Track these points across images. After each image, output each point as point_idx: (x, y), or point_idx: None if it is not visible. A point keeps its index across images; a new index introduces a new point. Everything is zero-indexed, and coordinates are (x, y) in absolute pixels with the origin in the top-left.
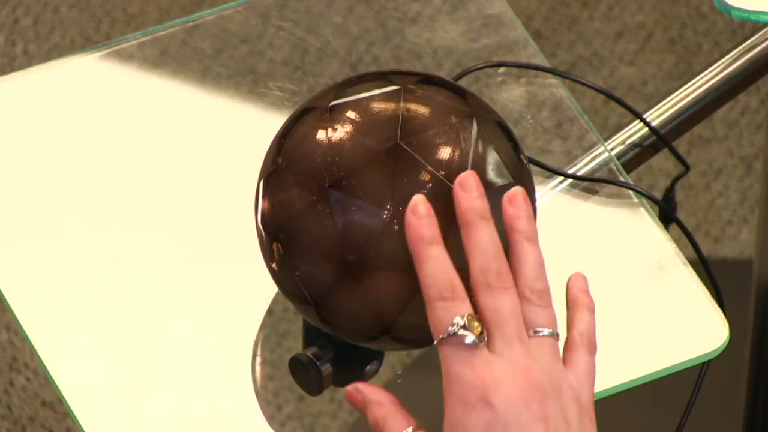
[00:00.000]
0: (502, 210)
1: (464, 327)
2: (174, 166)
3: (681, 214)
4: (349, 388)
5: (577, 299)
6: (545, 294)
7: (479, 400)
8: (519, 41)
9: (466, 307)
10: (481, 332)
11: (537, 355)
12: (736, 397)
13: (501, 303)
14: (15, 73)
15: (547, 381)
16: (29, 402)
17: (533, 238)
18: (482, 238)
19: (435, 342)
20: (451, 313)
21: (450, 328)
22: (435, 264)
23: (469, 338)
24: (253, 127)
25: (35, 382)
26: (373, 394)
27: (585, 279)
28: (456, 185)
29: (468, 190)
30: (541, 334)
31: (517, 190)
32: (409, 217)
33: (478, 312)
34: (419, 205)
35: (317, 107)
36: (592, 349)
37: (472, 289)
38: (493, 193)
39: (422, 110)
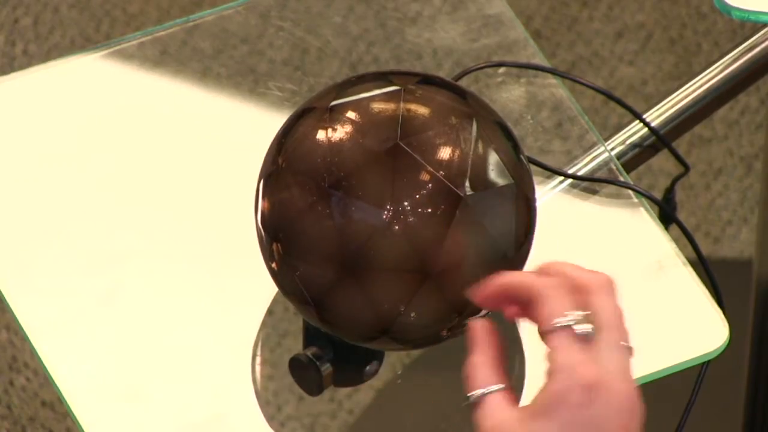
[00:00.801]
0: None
1: (577, 322)
2: (174, 166)
3: (681, 214)
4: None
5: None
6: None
7: (586, 393)
8: (519, 41)
9: (577, 304)
10: (593, 329)
11: (629, 366)
12: (736, 397)
13: (618, 308)
14: (15, 73)
15: (636, 395)
16: (29, 402)
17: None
18: (563, 269)
19: (542, 331)
20: (564, 304)
21: (562, 319)
22: (530, 273)
23: (585, 329)
24: (253, 127)
25: (35, 382)
26: (483, 339)
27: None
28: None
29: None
30: (627, 345)
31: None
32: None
33: (593, 311)
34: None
35: (317, 107)
36: None
37: (587, 292)
38: (493, 193)
39: (422, 110)
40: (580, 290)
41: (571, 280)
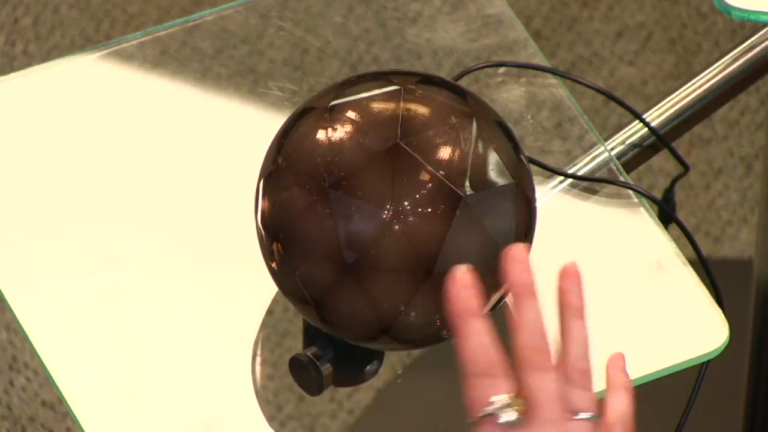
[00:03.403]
0: (559, 285)
1: (503, 407)
2: (174, 166)
3: (681, 214)
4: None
5: (616, 379)
6: (588, 375)
7: None
8: (519, 41)
9: (507, 386)
10: (521, 412)
11: None
12: (736, 397)
13: (545, 382)
14: (15, 73)
15: None
16: (29, 402)
17: (583, 316)
18: (530, 315)
19: (470, 420)
20: (489, 391)
21: (488, 408)
22: (476, 338)
23: (508, 418)
24: (253, 127)
25: (35, 382)
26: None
27: (623, 357)
28: (506, 256)
29: (519, 262)
30: (580, 417)
31: (573, 264)
32: (452, 286)
33: (520, 390)
34: (463, 274)
35: (317, 107)
36: None
37: (515, 365)
38: (493, 193)
39: (422, 110)
40: (516, 367)
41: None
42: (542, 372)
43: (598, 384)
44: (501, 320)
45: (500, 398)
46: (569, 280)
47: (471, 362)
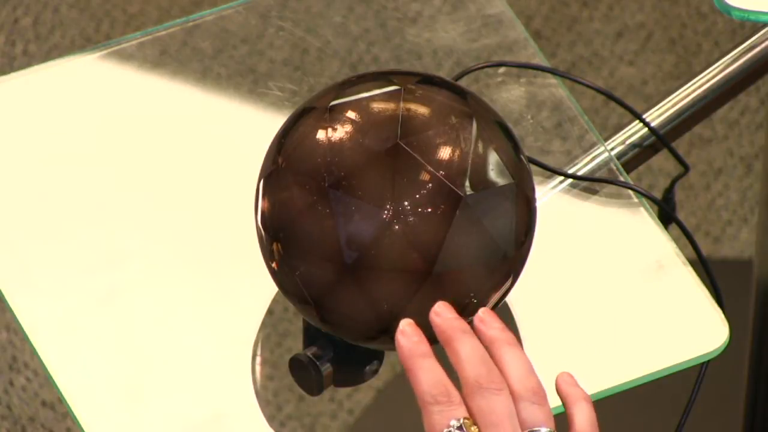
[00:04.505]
0: (476, 331)
1: (459, 429)
2: (174, 166)
3: (681, 214)
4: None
5: (570, 394)
6: (539, 390)
7: None
8: (519, 41)
9: (462, 411)
10: None
11: None
12: (736, 397)
13: (495, 404)
14: (15, 73)
15: None
16: (29, 402)
17: (513, 343)
18: (467, 349)
19: None
20: (446, 416)
21: (445, 431)
22: (428, 372)
23: None
24: (253, 127)
25: (35, 382)
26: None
27: (570, 374)
28: (432, 314)
29: (443, 314)
30: None
31: (483, 311)
32: (400, 339)
33: (471, 414)
34: (407, 327)
35: (317, 107)
36: None
37: (464, 396)
38: (493, 193)
39: (422, 110)
40: (463, 394)
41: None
42: (491, 393)
43: (554, 400)
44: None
45: (457, 422)
46: (482, 324)
47: (426, 392)
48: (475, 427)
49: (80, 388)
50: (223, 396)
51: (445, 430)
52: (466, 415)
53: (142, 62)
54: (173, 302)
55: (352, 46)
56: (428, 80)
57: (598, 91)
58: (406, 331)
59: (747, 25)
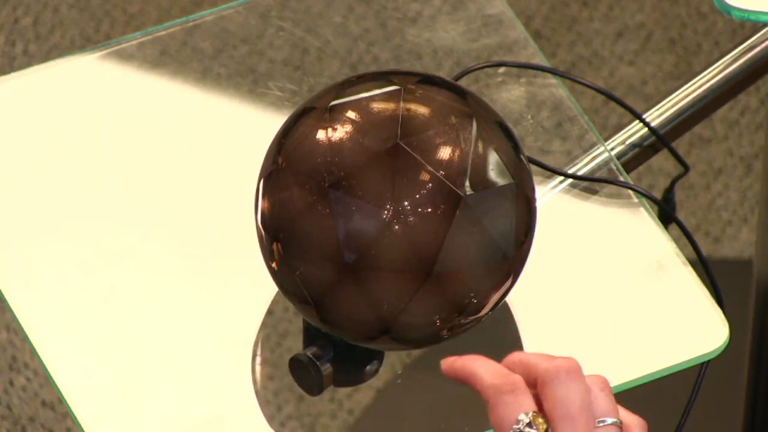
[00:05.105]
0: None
1: (529, 424)
2: (174, 165)
3: (681, 214)
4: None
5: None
6: (607, 382)
7: None
8: (519, 41)
9: (530, 403)
10: (546, 429)
11: None
12: (736, 397)
13: (574, 393)
14: (15, 73)
15: None
16: (29, 402)
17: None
18: (532, 354)
19: None
20: (514, 409)
21: (515, 427)
22: (488, 366)
23: None
24: (253, 127)
25: (35, 382)
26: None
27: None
28: (505, 363)
29: (482, 364)
30: (605, 423)
31: (514, 354)
32: (443, 366)
33: (545, 404)
34: (447, 359)
35: (317, 107)
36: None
37: (539, 386)
38: (493, 193)
39: (422, 110)
40: (538, 383)
41: (529, 373)
42: (571, 381)
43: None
44: (499, 322)
45: (526, 416)
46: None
47: (489, 386)
48: (543, 420)
49: (80, 388)
50: (223, 396)
51: (515, 426)
52: (534, 407)
53: (142, 62)
54: (173, 302)
55: (352, 46)
56: (428, 80)
57: (598, 91)
58: (447, 359)
59: (747, 25)
